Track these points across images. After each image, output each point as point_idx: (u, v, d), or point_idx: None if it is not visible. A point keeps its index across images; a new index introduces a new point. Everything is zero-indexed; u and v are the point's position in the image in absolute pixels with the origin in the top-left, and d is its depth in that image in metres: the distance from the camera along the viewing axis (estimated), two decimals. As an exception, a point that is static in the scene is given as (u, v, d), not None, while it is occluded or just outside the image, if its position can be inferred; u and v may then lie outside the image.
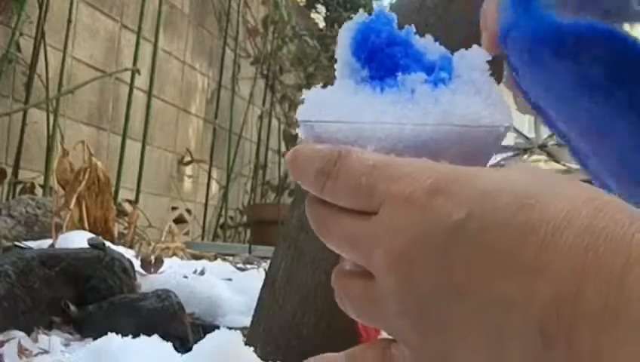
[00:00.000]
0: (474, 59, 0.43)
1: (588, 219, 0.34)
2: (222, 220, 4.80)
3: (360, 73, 0.43)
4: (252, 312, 1.58)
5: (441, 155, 0.40)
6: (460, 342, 0.36)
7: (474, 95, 0.42)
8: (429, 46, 0.44)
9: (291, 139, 4.95)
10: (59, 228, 2.27)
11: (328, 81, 0.45)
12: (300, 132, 0.44)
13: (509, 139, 2.00)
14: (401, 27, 0.43)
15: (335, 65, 0.44)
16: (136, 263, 2.11)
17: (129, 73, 3.62)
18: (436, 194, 0.37)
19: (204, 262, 2.59)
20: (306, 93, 0.43)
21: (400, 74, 0.42)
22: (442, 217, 0.36)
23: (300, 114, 0.43)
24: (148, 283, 1.99)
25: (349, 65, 0.44)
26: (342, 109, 0.42)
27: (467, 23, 1.28)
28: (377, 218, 0.38)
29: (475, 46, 0.44)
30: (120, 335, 1.33)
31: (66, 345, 1.62)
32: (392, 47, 0.43)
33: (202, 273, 2.23)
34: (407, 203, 0.37)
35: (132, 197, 3.72)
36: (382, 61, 0.43)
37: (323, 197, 0.41)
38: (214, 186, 4.83)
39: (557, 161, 1.80)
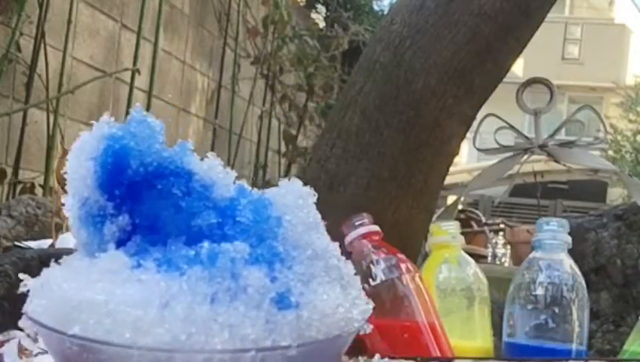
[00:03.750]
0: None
1: None
2: (222, 220, 4.79)
3: (113, 222, 0.24)
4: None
5: None
6: None
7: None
8: (213, 172, 0.25)
9: (291, 139, 4.94)
10: (59, 228, 2.27)
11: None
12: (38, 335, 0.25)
13: (509, 140, 1.99)
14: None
15: (68, 202, 0.23)
16: (137, 263, 2.11)
17: (129, 73, 3.62)
18: None
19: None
20: (43, 276, 0.21)
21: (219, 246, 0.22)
22: None
23: (36, 311, 0.21)
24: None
25: (94, 207, 0.24)
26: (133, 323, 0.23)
27: (468, 23, 1.28)
28: None
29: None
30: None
31: (66, 345, 1.62)
32: (165, 178, 0.25)
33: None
34: None
35: (132, 197, 3.71)
36: (149, 201, 0.24)
37: None
38: (214, 186, 4.83)
39: (557, 161, 1.80)
